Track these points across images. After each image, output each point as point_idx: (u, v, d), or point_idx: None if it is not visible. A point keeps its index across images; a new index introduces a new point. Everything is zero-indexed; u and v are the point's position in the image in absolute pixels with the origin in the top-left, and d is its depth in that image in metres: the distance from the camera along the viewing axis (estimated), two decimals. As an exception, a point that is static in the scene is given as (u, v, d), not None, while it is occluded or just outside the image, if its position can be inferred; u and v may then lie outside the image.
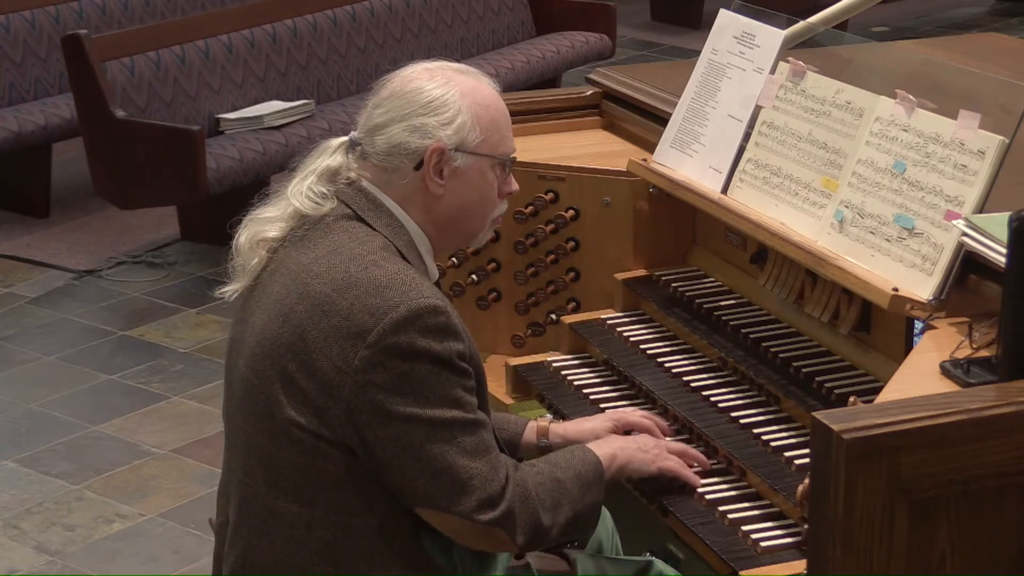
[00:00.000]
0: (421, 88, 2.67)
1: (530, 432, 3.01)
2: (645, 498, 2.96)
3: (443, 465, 2.52)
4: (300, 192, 2.68)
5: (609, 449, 2.82)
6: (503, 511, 2.56)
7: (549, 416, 3.27)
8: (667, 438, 3.03)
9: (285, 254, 2.67)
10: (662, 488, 2.93)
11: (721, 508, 2.86)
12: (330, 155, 2.72)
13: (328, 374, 2.52)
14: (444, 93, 2.66)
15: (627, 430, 3.01)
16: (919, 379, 2.54)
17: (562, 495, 2.66)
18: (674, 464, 2.91)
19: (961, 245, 2.74)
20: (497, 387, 3.48)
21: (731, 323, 3.29)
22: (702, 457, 2.98)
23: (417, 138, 2.65)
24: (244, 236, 2.71)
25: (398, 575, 2.59)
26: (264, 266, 2.69)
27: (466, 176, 2.69)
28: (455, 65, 2.75)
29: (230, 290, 2.74)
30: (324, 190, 2.68)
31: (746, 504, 2.87)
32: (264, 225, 2.70)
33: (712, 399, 3.13)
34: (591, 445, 2.82)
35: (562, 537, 2.70)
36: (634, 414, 3.07)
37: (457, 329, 2.56)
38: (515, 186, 2.79)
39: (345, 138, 2.74)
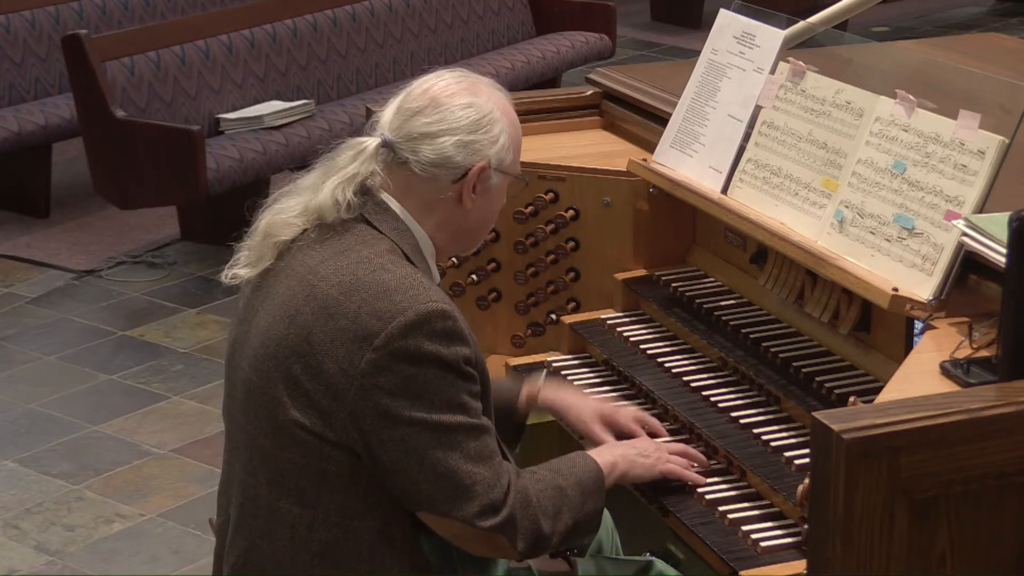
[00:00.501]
0: (468, 103, 2.66)
1: (523, 396, 3.06)
2: (645, 498, 2.96)
3: (446, 470, 2.52)
4: (327, 193, 2.64)
5: (610, 457, 2.83)
6: (504, 517, 2.55)
7: (545, 371, 3.27)
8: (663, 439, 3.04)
9: (291, 256, 2.66)
10: (663, 489, 2.93)
11: (721, 508, 2.86)
12: (363, 162, 2.66)
13: (333, 376, 2.52)
14: (490, 112, 2.67)
15: (610, 423, 3.03)
16: (919, 379, 2.54)
17: (563, 503, 2.66)
18: (675, 467, 2.92)
19: (961, 245, 2.74)
20: (497, 387, 3.48)
21: (731, 323, 3.29)
22: (702, 457, 2.98)
23: (466, 154, 2.65)
24: (262, 227, 2.68)
25: (396, 574, 2.59)
26: (269, 268, 2.68)
27: (494, 193, 2.72)
28: (482, 78, 2.74)
29: (232, 273, 2.70)
30: (349, 198, 2.64)
31: (746, 504, 2.87)
32: (281, 227, 2.66)
33: (712, 399, 3.13)
34: (593, 453, 2.83)
35: (562, 544, 2.70)
36: (626, 418, 3.06)
37: (464, 334, 2.56)
38: (505, 199, 2.81)
39: (377, 139, 2.68)
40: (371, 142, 2.68)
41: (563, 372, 3.44)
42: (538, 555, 2.70)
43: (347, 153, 2.69)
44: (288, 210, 2.68)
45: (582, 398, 3.11)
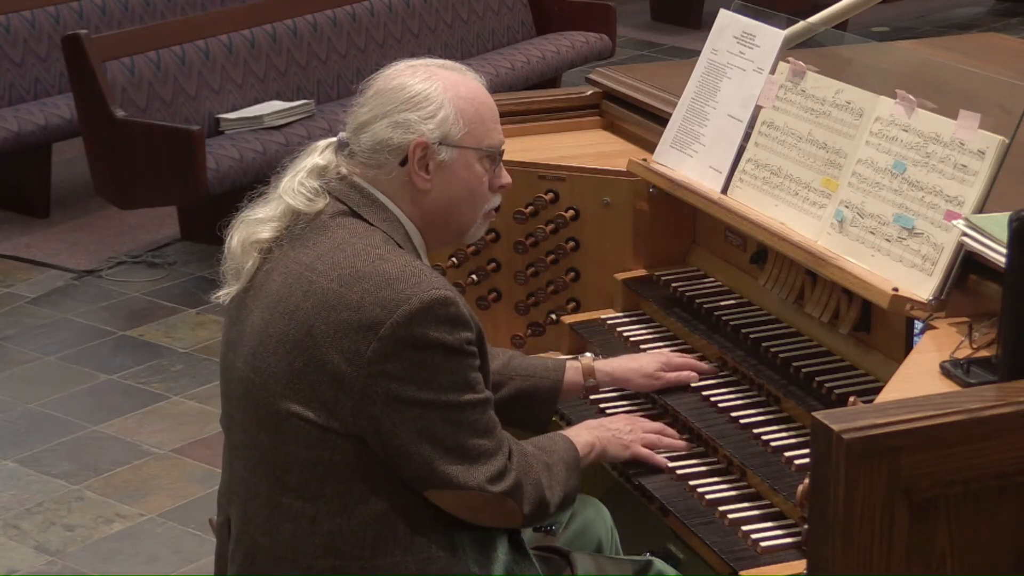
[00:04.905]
0: (403, 84, 2.69)
1: (573, 373, 3.14)
2: (645, 498, 2.96)
3: (456, 444, 2.56)
4: (292, 189, 2.70)
5: (588, 438, 2.91)
6: (512, 482, 2.62)
7: (590, 354, 3.31)
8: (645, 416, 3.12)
9: (281, 253, 2.67)
10: (636, 467, 2.99)
11: (721, 508, 2.86)
12: (319, 154, 2.75)
13: (338, 367, 2.53)
14: (426, 88, 2.68)
15: (671, 370, 3.19)
16: (919, 379, 2.54)
17: (553, 475, 2.74)
18: (645, 452, 2.99)
19: (961, 245, 2.74)
20: (497, 387, 3.48)
21: (731, 323, 3.29)
22: (678, 443, 3.03)
23: (400, 134, 2.67)
24: (236, 238, 2.72)
25: (400, 560, 2.61)
26: (258, 267, 2.69)
27: (452, 170, 2.70)
28: (439, 61, 2.77)
29: (224, 293, 2.74)
30: (315, 186, 2.70)
31: (746, 504, 2.88)
32: (256, 227, 2.70)
33: (712, 399, 3.13)
34: (570, 433, 2.91)
35: (555, 514, 2.77)
36: (678, 357, 3.22)
37: (466, 318, 2.58)
38: (507, 179, 2.80)
39: (333, 138, 2.76)
40: (325, 140, 2.76)
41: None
42: (538, 522, 2.77)
43: (306, 154, 2.76)
44: (260, 212, 2.73)
45: (638, 358, 3.23)
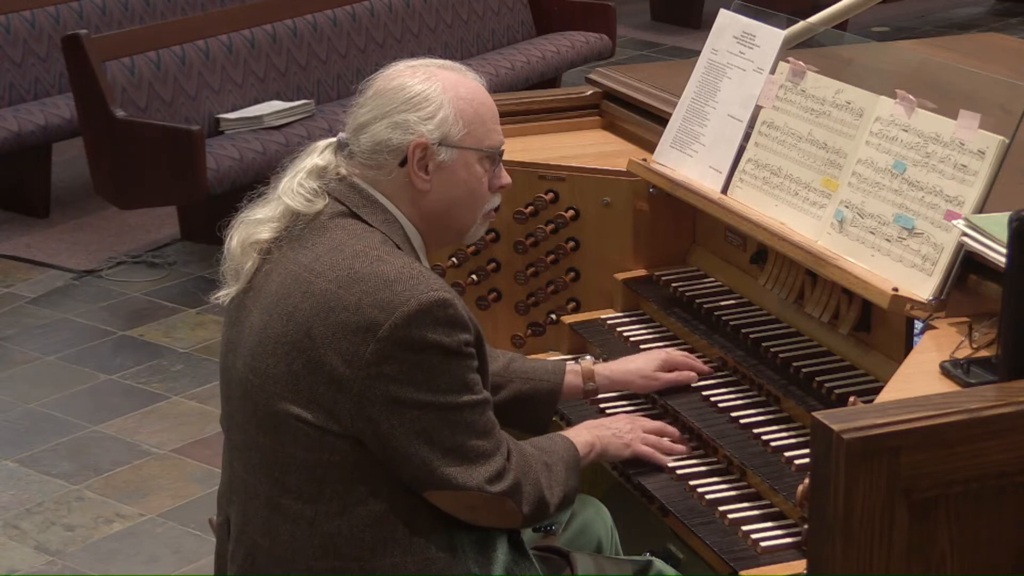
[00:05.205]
0: (403, 85, 2.69)
1: (573, 376, 3.14)
2: (645, 498, 2.96)
3: (454, 445, 2.56)
4: (291, 190, 2.70)
5: (588, 437, 2.91)
6: (511, 482, 2.62)
7: (590, 357, 3.31)
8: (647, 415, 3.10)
9: (280, 255, 2.67)
10: (637, 467, 2.99)
11: (721, 508, 2.86)
12: (318, 154, 2.75)
13: (337, 369, 2.53)
14: (426, 88, 2.68)
15: (670, 368, 3.19)
16: (919, 379, 2.54)
17: (553, 476, 2.74)
18: (646, 451, 2.99)
19: (961, 245, 2.74)
20: (497, 387, 3.48)
21: (731, 323, 3.29)
22: (677, 432, 3.05)
23: (399, 134, 2.67)
24: (236, 239, 2.72)
25: (399, 561, 2.61)
26: (257, 268, 2.70)
27: (452, 170, 2.70)
28: (439, 61, 2.77)
29: (224, 294, 2.74)
30: (315, 187, 2.70)
31: (746, 504, 2.88)
32: (255, 227, 2.70)
33: (712, 399, 3.13)
34: (570, 433, 2.90)
35: (554, 514, 2.77)
36: (678, 354, 3.22)
37: (464, 320, 2.58)
38: (506, 179, 2.80)
39: (333, 139, 2.76)
40: (325, 141, 2.76)
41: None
42: (538, 522, 2.77)
43: (305, 155, 2.76)
44: (259, 212, 2.73)
45: (636, 359, 3.22)
